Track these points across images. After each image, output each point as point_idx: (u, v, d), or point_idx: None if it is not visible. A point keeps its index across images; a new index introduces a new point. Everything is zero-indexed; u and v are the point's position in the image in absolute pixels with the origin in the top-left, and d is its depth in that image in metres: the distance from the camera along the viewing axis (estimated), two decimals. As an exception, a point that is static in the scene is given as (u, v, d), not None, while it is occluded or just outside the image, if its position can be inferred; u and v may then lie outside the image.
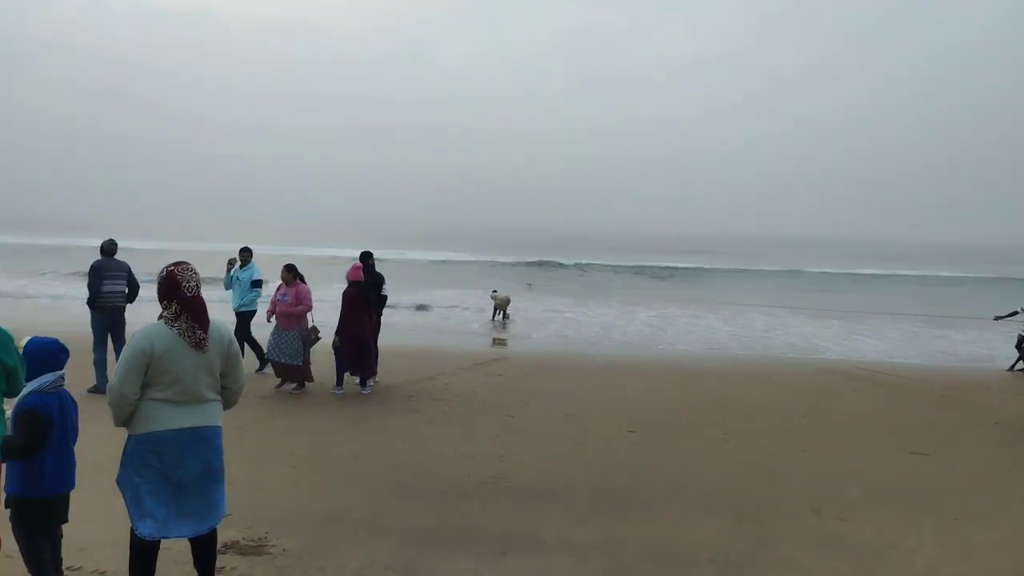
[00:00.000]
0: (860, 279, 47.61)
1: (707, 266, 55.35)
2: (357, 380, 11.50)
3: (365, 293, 11.34)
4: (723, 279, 46.08)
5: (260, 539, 5.67)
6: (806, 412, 11.15)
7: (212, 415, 4.24)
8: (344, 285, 11.45)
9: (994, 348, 19.22)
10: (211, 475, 4.23)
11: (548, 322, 22.98)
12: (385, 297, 12.47)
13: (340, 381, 11.43)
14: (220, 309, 10.82)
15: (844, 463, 8.45)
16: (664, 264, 54.23)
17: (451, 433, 9.27)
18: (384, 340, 12.50)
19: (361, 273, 11.48)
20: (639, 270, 50.37)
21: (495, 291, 24.53)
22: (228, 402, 4.41)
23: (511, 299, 23.75)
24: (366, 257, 12.12)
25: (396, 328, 18.80)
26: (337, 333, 11.37)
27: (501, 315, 23.04)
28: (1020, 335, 16.73)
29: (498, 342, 18.83)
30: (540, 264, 52.72)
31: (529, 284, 37.55)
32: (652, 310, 26.73)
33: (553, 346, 18.18)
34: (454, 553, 5.60)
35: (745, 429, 9.90)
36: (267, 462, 7.76)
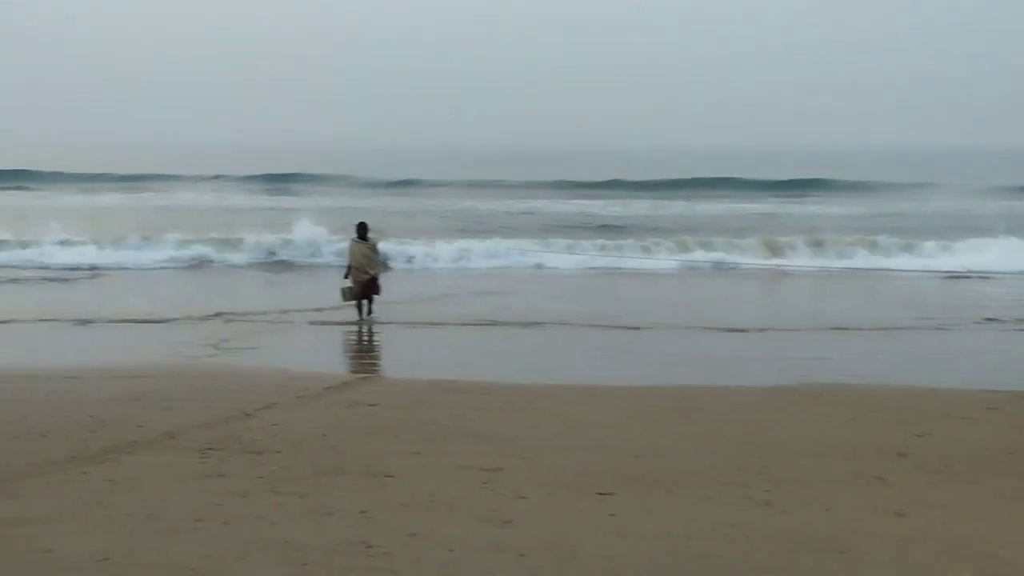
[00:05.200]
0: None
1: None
2: None
3: None
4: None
5: None
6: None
7: None
8: None
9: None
10: None
11: (453, 296, 16.02)
12: None
13: None
14: None
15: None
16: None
17: (279, 511, 5.31)
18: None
19: None
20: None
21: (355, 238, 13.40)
22: None
23: (388, 262, 13.77)
24: None
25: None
26: None
27: (365, 299, 13.34)
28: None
29: (364, 349, 12.84)
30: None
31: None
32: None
33: (468, 347, 12.13)
34: None
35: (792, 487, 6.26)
36: None
